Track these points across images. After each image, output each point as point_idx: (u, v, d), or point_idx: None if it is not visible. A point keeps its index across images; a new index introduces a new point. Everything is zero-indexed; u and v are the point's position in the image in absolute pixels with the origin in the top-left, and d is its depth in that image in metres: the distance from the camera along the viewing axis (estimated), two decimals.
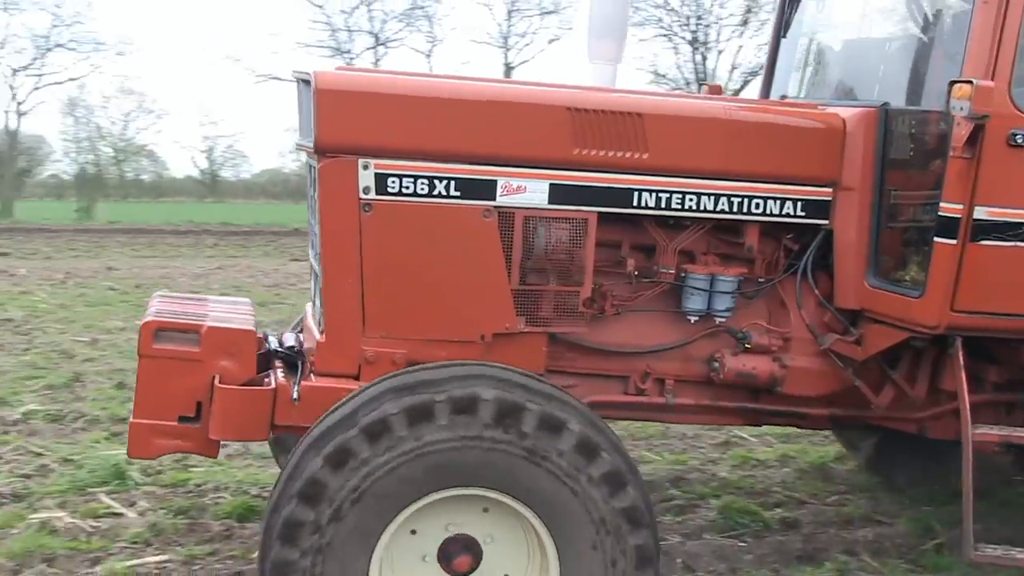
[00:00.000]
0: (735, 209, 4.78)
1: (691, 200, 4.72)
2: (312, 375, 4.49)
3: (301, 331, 5.12)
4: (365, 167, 4.37)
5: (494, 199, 4.50)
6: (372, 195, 4.38)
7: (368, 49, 35.87)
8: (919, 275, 4.61)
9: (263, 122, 60.22)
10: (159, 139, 56.55)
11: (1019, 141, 4.32)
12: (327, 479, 3.76)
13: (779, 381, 4.95)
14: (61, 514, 5.72)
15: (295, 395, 4.34)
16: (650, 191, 4.67)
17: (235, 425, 4.38)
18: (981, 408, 5.04)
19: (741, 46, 32.61)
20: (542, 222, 4.58)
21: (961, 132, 4.30)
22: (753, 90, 26.17)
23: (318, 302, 4.72)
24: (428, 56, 36.80)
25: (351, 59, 35.07)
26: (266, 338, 4.91)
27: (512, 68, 35.97)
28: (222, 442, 4.74)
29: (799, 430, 6.84)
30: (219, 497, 6.13)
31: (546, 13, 36.11)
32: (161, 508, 5.92)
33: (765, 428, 6.70)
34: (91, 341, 10.69)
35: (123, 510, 5.88)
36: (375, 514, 3.84)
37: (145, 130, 39.08)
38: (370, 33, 36.06)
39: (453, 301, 4.51)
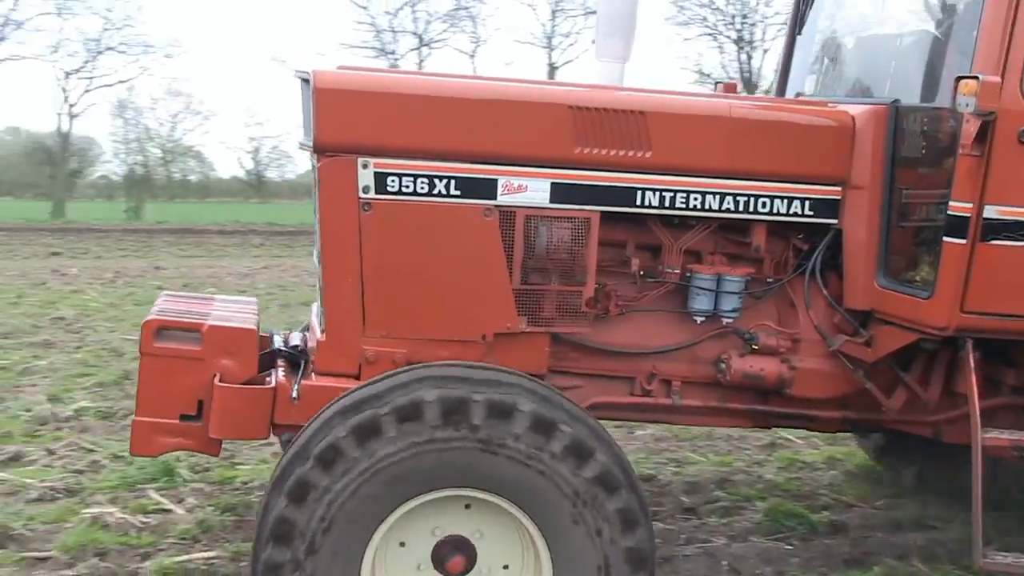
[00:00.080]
0: (741, 208, 4.71)
1: (696, 199, 4.66)
2: (313, 374, 4.50)
3: (308, 330, 5.13)
4: (364, 166, 4.35)
5: (495, 198, 4.47)
6: (372, 194, 4.37)
7: (412, 50, 36.07)
8: (930, 275, 4.51)
9: None
10: (206, 140, 57.41)
11: None
12: (294, 516, 3.76)
13: (787, 383, 4.88)
14: (112, 509, 5.80)
15: (294, 394, 4.35)
16: (654, 190, 4.61)
17: (234, 424, 4.39)
18: (999, 412, 4.95)
19: None
20: (544, 221, 4.54)
21: (970, 129, 4.20)
22: None
23: (320, 301, 4.72)
24: (472, 57, 36.91)
25: (395, 60, 35.25)
26: (272, 337, 4.93)
27: (556, 68, 35.96)
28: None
29: (846, 432, 6.74)
30: None
31: (590, 13, 36.02)
32: (209, 505, 5.99)
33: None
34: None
35: (172, 506, 5.96)
36: (350, 538, 3.82)
37: (192, 131, 39.64)
38: (414, 34, 36.26)
39: (454, 301, 4.49)
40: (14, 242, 22.51)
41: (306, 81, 4.48)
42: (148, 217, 32.37)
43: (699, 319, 4.87)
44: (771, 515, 6.12)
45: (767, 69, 31.82)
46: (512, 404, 3.82)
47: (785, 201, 4.74)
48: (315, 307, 5.07)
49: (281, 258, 20.46)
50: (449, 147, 4.42)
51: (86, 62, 35.28)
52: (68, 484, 6.22)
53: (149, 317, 4.50)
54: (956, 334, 4.44)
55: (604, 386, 4.93)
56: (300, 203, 37.96)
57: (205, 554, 5.29)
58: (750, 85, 30.27)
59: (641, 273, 4.80)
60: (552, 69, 36.31)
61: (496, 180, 4.46)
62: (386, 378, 3.95)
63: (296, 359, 4.70)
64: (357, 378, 4.37)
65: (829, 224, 4.82)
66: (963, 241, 4.30)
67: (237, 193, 40.81)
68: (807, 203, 4.76)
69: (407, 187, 4.39)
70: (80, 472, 6.47)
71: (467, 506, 4.01)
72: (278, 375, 4.50)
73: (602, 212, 4.59)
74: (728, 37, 33.08)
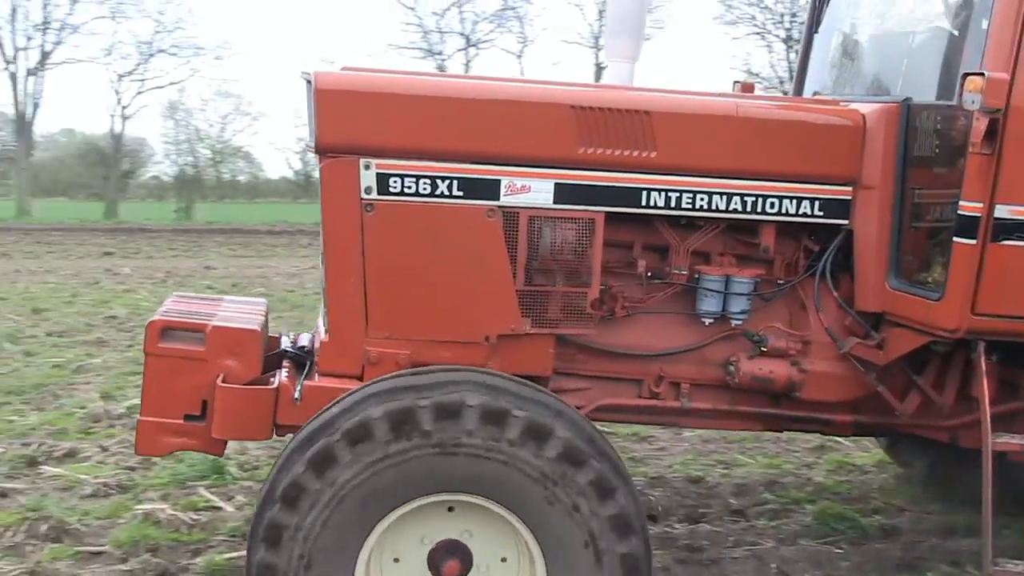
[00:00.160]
0: (749, 209, 4.64)
1: (702, 199, 4.60)
2: (316, 375, 4.50)
3: (317, 332, 5.15)
4: (366, 167, 4.34)
5: (498, 199, 4.44)
6: (374, 195, 4.36)
7: (459, 51, 36.16)
8: (942, 277, 4.40)
9: None
10: (255, 141, 57.83)
11: None
12: (272, 559, 3.76)
13: (797, 386, 4.80)
14: (164, 506, 5.90)
15: (296, 395, 4.36)
16: (659, 190, 4.56)
17: (236, 424, 4.40)
18: (1018, 416, 4.84)
19: None
20: (547, 222, 4.51)
21: (979, 127, 4.11)
22: None
23: (323, 302, 4.73)
24: (519, 57, 36.94)
25: (443, 60, 35.34)
26: (281, 338, 4.95)
27: (603, 68, 35.84)
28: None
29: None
30: None
31: None
32: None
33: None
34: None
35: (222, 504, 6.04)
36: (334, 568, 3.82)
37: (241, 132, 40.04)
38: (461, 35, 36.35)
39: (457, 302, 4.46)
40: (68, 242, 22.99)
41: (309, 82, 4.49)
42: (198, 217, 32.78)
43: (707, 321, 4.81)
44: (820, 518, 6.06)
45: None
46: (459, 403, 3.77)
47: (794, 201, 4.67)
48: (322, 308, 5.08)
49: None
50: (451, 148, 4.40)
51: (138, 64, 35.88)
52: (120, 480, 6.36)
53: (153, 318, 4.54)
54: (967, 337, 4.34)
55: (612, 388, 4.89)
56: None
57: None
58: None
59: (648, 274, 4.74)
60: (599, 69, 36.20)
61: (499, 181, 4.43)
62: (335, 403, 3.92)
63: (303, 360, 4.72)
64: (360, 379, 4.36)
65: (840, 225, 4.73)
66: (973, 241, 4.20)
67: (286, 193, 41.15)
68: (817, 203, 4.68)
69: (409, 188, 4.38)
70: (132, 469, 6.60)
71: (450, 509, 3.99)
72: (282, 376, 4.51)
73: (607, 213, 4.54)
74: (776, 36, 32.84)
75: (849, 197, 4.69)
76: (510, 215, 4.46)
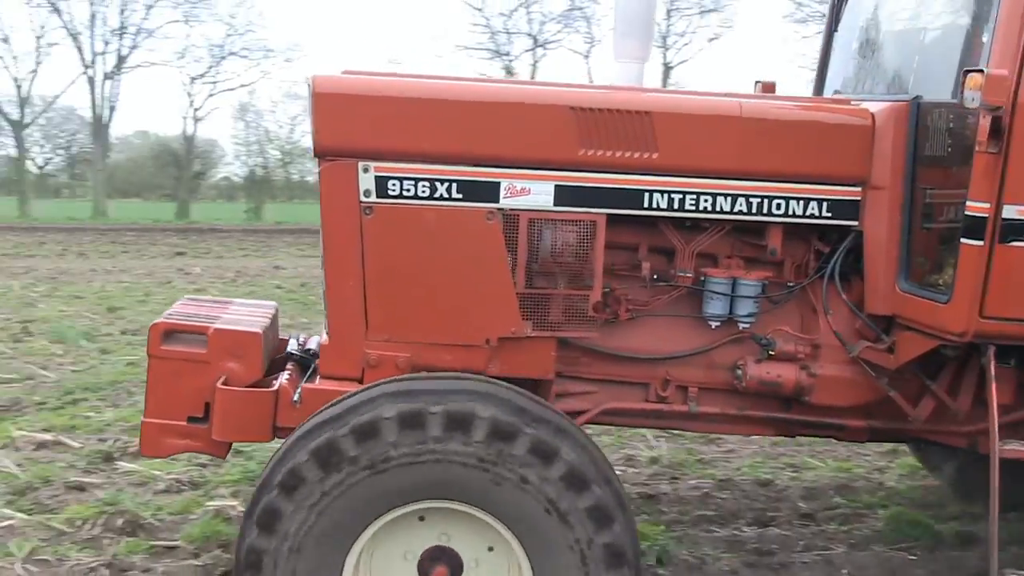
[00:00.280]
0: (754, 210, 4.56)
1: (706, 201, 4.52)
2: (317, 377, 4.53)
3: None
4: (365, 170, 4.35)
5: (497, 201, 4.41)
6: (373, 198, 4.36)
7: (526, 51, 36.17)
8: (952, 279, 4.28)
9: None
10: None
11: None
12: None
13: (806, 390, 4.71)
14: (234, 503, 6.00)
15: (296, 397, 4.39)
16: (661, 192, 4.49)
17: (236, 426, 4.45)
18: None
19: None
20: (548, 224, 4.47)
21: (985, 125, 3.99)
22: None
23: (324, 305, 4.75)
24: (586, 57, 36.85)
25: (510, 61, 35.38)
26: (288, 341, 4.99)
27: (671, 68, 35.62)
28: None
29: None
30: None
31: (706, 12, 35.64)
32: None
33: None
34: None
35: None
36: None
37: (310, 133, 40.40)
38: (528, 35, 36.35)
39: (457, 305, 4.45)
40: (142, 242, 23.54)
41: (309, 86, 4.51)
42: (267, 217, 33.26)
43: (714, 324, 4.74)
44: (893, 523, 5.94)
45: None
46: (421, 411, 3.76)
47: (801, 202, 4.57)
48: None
49: None
50: (450, 150, 4.38)
51: (210, 67, 36.60)
52: (192, 477, 6.48)
53: (157, 320, 4.60)
54: (975, 340, 4.22)
55: (617, 392, 4.84)
56: None
57: None
58: None
59: (653, 277, 4.68)
60: (667, 69, 35.97)
61: (499, 183, 4.41)
62: (301, 427, 3.92)
63: (307, 363, 4.75)
64: (360, 382, 4.38)
65: (849, 226, 4.63)
66: (980, 243, 4.08)
67: None
68: (825, 204, 4.58)
69: (408, 191, 4.37)
70: (203, 466, 6.70)
71: (421, 518, 3.98)
72: (283, 378, 4.55)
73: (608, 215, 4.50)
74: None
75: (858, 198, 4.59)
76: (510, 217, 4.44)
